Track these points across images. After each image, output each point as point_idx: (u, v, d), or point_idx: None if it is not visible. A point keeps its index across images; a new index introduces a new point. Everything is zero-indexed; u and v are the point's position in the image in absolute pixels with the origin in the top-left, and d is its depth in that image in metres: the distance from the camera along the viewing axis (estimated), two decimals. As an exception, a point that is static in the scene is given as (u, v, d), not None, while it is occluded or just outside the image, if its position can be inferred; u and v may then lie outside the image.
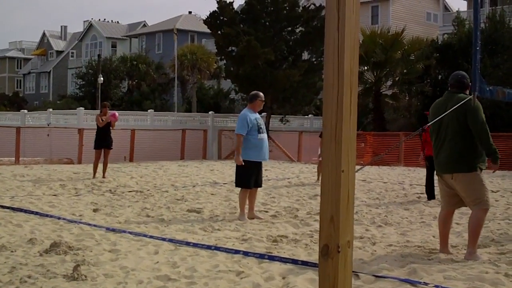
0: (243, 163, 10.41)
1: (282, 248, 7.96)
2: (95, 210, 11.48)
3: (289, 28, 35.11)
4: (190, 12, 71.93)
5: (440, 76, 36.04)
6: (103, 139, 17.74)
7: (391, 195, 14.57)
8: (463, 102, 7.01)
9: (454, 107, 7.03)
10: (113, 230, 9.19)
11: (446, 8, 52.37)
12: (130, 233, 8.93)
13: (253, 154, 10.53)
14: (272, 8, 34.40)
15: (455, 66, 27.49)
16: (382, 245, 8.18)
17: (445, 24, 46.72)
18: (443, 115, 7.12)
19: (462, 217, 10.23)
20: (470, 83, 7.35)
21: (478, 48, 6.06)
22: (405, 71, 36.28)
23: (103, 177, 17.37)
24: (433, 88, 35.39)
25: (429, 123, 7.04)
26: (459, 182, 7.32)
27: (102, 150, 17.76)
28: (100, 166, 17.66)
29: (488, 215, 11.16)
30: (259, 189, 11.24)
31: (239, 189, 10.80)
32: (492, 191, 15.57)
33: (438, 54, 36.23)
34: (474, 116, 7.14)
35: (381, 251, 7.81)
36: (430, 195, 13.51)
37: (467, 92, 7.39)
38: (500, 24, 35.34)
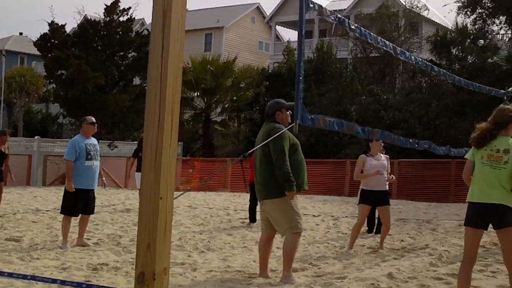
0: (74, 189, 10.09)
1: (102, 276, 7.77)
2: None
3: (122, 53, 34.85)
4: (21, 33, 69.22)
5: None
6: None
7: (216, 221, 14.68)
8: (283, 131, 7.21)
9: (273, 136, 7.19)
10: None
11: (278, 38, 53.90)
12: None
13: (79, 181, 10.21)
14: (104, 32, 34.01)
15: (284, 94, 28.40)
16: (203, 270, 8.19)
17: (276, 53, 48.00)
18: (260, 144, 7.29)
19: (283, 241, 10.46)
20: (277, 112, 7.64)
21: (300, 77, 6.24)
22: (235, 98, 36.95)
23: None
24: (261, 115, 36.24)
25: (250, 151, 7.18)
26: (269, 208, 7.52)
27: None
28: None
29: (308, 238, 11.60)
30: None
31: (63, 216, 10.43)
32: (314, 216, 16.14)
33: (268, 82, 37.22)
34: (274, 144, 7.32)
35: (202, 277, 7.82)
36: (252, 218, 13.87)
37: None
38: (327, 55, 36.91)
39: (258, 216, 12.41)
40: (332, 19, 6.71)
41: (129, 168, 20.84)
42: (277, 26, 51.89)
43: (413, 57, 8.63)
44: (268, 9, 55.12)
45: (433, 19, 44.57)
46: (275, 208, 7.49)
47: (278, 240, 9.47)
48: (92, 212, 10.81)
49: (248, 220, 14.04)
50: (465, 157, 6.41)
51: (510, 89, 15.32)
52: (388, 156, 10.90)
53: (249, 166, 14.02)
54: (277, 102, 7.85)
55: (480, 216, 6.15)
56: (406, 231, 13.19)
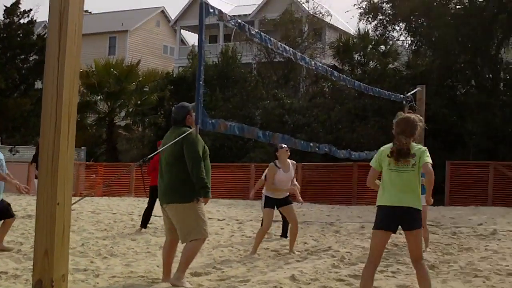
0: None
1: (0, 285, 7.57)
2: None
3: (23, 56, 34.02)
4: None
5: (173, 108, 36.75)
6: None
7: (120, 226, 14.52)
8: (183, 135, 7.18)
9: (175, 139, 7.16)
10: None
11: (183, 42, 53.75)
12: None
13: None
14: (4, 35, 33.12)
15: (188, 98, 28.14)
16: (106, 276, 8.08)
17: (181, 57, 47.84)
18: (163, 148, 7.25)
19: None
20: (187, 116, 7.58)
21: (201, 82, 6.27)
22: (139, 102, 36.61)
23: None
24: (166, 120, 36.04)
25: (150, 156, 7.13)
26: (174, 213, 7.42)
27: None
28: None
29: (212, 243, 11.62)
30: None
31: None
32: (218, 220, 16.18)
33: (172, 87, 37.01)
34: (190, 149, 7.29)
35: (104, 283, 7.72)
36: (144, 223, 13.67)
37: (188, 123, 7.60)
38: (232, 59, 37.03)
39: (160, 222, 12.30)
40: (232, 24, 6.76)
41: (31, 174, 20.34)
42: (182, 30, 51.75)
43: (313, 63, 8.78)
44: (173, 13, 55.01)
45: (336, 25, 45.41)
46: (179, 213, 7.39)
47: (182, 244, 9.43)
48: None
49: (152, 224, 13.92)
50: (370, 164, 6.51)
51: (408, 93, 15.78)
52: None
53: (148, 170, 13.98)
54: (184, 106, 7.74)
55: (391, 219, 6.28)
56: (310, 233, 13.39)
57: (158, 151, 7.28)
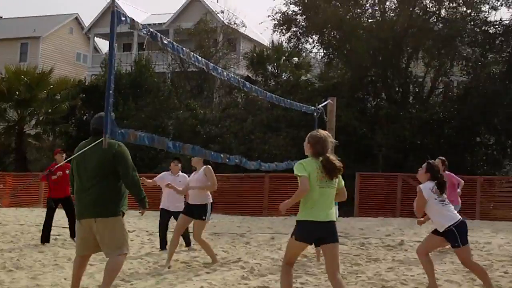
0: None
1: None
2: None
3: None
4: None
5: (85, 117, 36.21)
6: None
7: (27, 238, 14.17)
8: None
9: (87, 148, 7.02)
10: None
11: (96, 50, 53.04)
12: None
13: None
14: None
15: (101, 107, 27.50)
16: (10, 290, 7.89)
17: (94, 65, 47.10)
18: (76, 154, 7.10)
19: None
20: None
21: (111, 91, 6.18)
22: (50, 110, 35.82)
23: None
24: (77, 129, 35.44)
25: (58, 165, 6.97)
26: (102, 227, 7.18)
27: None
28: None
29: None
30: None
31: None
32: (129, 231, 15.94)
33: (84, 95, 36.40)
34: (125, 161, 7.26)
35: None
36: (45, 238, 13.17)
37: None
38: (145, 68, 36.73)
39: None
40: (144, 33, 6.69)
41: None
42: (95, 37, 51.10)
43: (225, 73, 8.78)
44: (87, 20, 54.24)
45: (251, 36, 45.69)
46: (108, 227, 7.20)
47: (94, 258, 9.25)
48: None
49: (61, 236, 13.63)
50: (300, 174, 6.47)
51: (320, 105, 15.99)
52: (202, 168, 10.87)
53: (51, 181, 13.16)
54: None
55: (314, 233, 6.46)
56: (220, 245, 13.37)
57: (63, 161, 7.10)
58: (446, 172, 11.75)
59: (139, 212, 7.70)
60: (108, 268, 7.22)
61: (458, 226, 7.91)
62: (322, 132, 6.74)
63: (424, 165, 8.31)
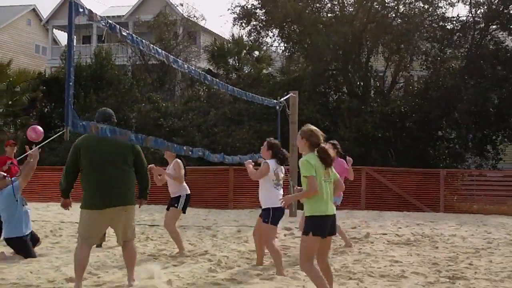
0: None
1: None
2: None
3: None
4: None
5: (46, 109, 35.81)
6: None
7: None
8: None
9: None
10: None
11: (55, 42, 52.42)
12: None
13: None
14: None
15: (61, 99, 27.49)
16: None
17: (53, 57, 46.59)
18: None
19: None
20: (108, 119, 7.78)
21: (71, 83, 6.13)
22: (10, 102, 35.37)
23: None
24: (39, 121, 35.00)
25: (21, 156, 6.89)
26: (129, 214, 7.70)
27: None
28: None
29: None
30: None
31: None
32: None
33: (45, 87, 35.99)
34: (142, 157, 7.96)
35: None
36: None
37: None
38: (106, 60, 36.41)
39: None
40: (103, 25, 6.64)
41: None
42: (54, 29, 50.54)
43: (186, 66, 8.78)
44: (45, 12, 53.55)
45: (211, 29, 45.58)
46: (132, 214, 7.77)
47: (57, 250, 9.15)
48: None
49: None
50: (308, 175, 6.65)
51: (282, 99, 16.04)
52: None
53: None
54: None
55: (328, 226, 6.78)
56: (187, 238, 13.31)
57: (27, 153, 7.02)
58: (338, 158, 11.06)
59: (137, 204, 8.02)
60: (133, 253, 7.91)
61: (276, 210, 8.77)
62: (311, 126, 7.00)
63: (265, 143, 9.12)
